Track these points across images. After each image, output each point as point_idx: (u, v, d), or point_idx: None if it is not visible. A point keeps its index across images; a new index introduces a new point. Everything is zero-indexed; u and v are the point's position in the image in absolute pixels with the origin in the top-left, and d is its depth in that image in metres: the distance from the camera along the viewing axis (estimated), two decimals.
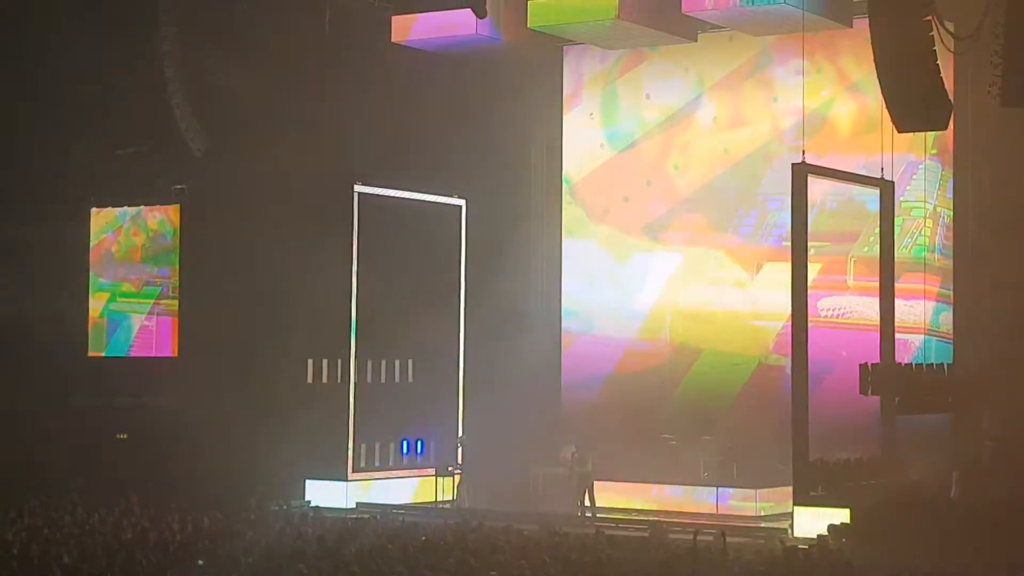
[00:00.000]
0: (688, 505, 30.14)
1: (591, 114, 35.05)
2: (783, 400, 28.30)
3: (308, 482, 31.53)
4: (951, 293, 31.34)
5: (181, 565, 20.38)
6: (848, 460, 28.52)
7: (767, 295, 32.65)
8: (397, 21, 32.74)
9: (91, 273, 34.70)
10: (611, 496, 30.23)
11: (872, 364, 28.39)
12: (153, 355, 34.01)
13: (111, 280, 34.63)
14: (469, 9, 30.53)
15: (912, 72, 25.34)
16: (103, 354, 34.49)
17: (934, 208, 31.49)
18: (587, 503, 29.82)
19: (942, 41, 25.81)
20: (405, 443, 32.80)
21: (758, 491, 29.89)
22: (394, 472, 32.46)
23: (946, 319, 31.30)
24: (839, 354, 31.11)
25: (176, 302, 33.96)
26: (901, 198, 30.83)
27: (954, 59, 28.17)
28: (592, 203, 35.04)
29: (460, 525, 24.90)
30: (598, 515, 29.25)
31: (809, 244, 28.41)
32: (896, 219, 30.25)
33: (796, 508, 27.20)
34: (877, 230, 30.31)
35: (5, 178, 33.75)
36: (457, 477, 32.36)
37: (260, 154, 31.64)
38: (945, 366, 29.63)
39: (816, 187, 28.86)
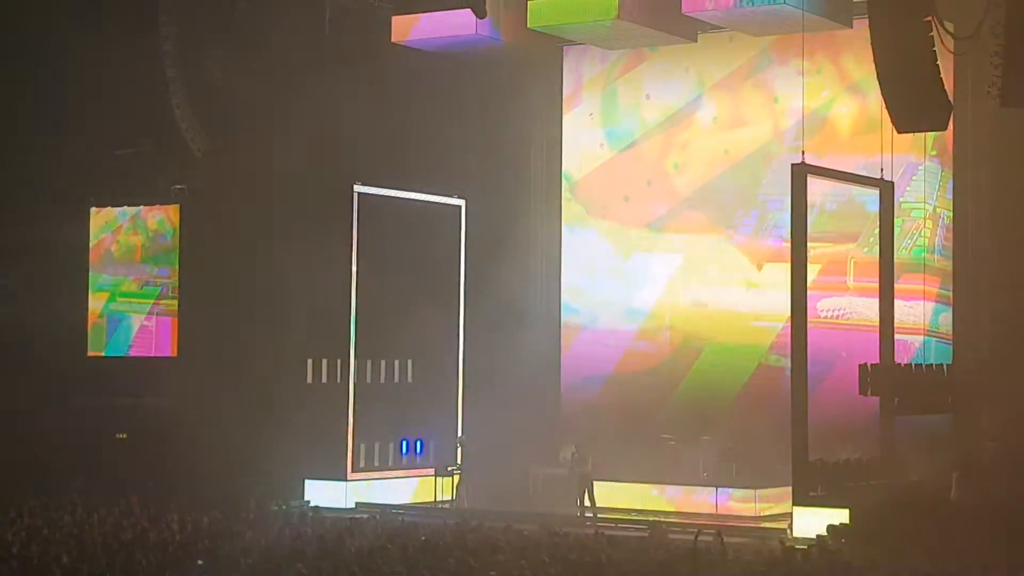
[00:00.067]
0: (688, 505, 30.14)
1: (591, 114, 35.06)
2: (783, 400, 28.29)
3: (307, 482, 31.53)
4: (951, 294, 31.34)
5: (181, 565, 20.38)
6: (848, 460, 28.52)
7: (767, 295, 32.65)
8: (397, 21, 32.75)
9: (91, 273, 34.70)
10: (611, 496, 30.21)
11: (872, 365, 28.38)
12: (153, 355, 34.01)
13: (111, 280, 34.63)
14: (469, 9, 30.51)
15: (912, 73, 25.36)
16: (103, 354, 34.49)
17: (934, 209, 31.49)
18: (587, 503, 29.80)
19: (942, 42, 25.83)
20: (404, 443, 32.80)
21: (757, 491, 29.89)
22: (393, 472, 32.46)
23: (946, 320, 31.30)
24: (839, 354, 31.11)
25: (176, 302, 33.96)
26: (901, 199, 30.83)
27: (954, 60, 28.19)
28: (592, 203, 35.05)
29: (459, 525, 24.89)
30: (599, 515, 29.23)
31: (809, 245, 28.42)
32: (896, 220, 30.25)
33: (796, 508, 27.20)
34: (877, 231, 30.31)
35: (5, 178, 33.74)
36: (456, 477, 32.36)
37: (260, 154, 31.65)
38: (945, 367, 29.63)
39: (816, 187, 28.85)
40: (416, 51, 32.92)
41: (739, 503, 29.94)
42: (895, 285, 29.98)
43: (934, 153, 31.36)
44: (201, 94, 31.88)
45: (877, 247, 30.27)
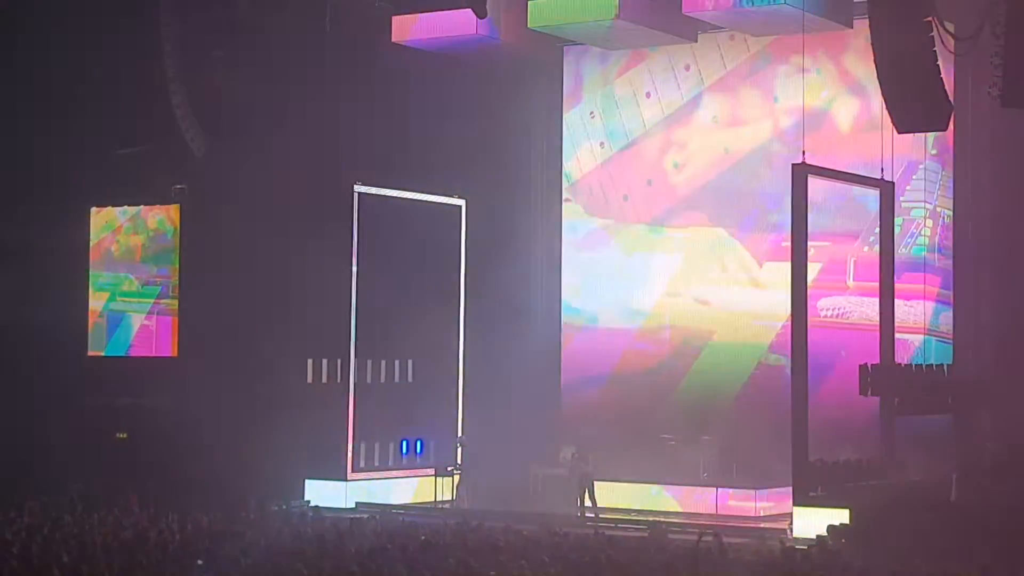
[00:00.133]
0: (687, 505, 30.14)
1: (591, 113, 35.07)
2: (783, 400, 28.28)
3: (308, 482, 31.54)
4: (951, 293, 31.34)
5: (181, 565, 20.37)
6: (848, 461, 28.53)
7: (767, 295, 32.66)
8: (397, 21, 32.78)
9: (91, 273, 34.70)
10: (610, 496, 30.21)
11: (872, 365, 28.39)
12: (153, 355, 33.99)
13: (111, 280, 34.62)
14: (469, 9, 30.51)
15: (912, 73, 25.35)
16: (103, 354, 34.48)
17: (934, 208, 31.50)
18: (588, 503, 29.80)
19: (942, 42, 25.83)
20: (404, 443, 32.80)
21: (757, 491, 29.88)
22: (394, 472, 32.47)
23: (946, 319, 31.31)
24: (839, 354, 31.12)
25: (176, 302, 33.95)
26: (901, 198, 30.85)
27: (954, 60, 28.20)
28: (592, 202, 35.05)
29: (460, 525, 24.87)
30: (600, 516, 29.23)
31: (809, 244, 28.43)
32: (896, 219, 30.27)
33: (795, 508, 27.21)
34: (877, 230, 30.31)
35: (5, 178, 33.74)
36: (456, 477, 32.36)
37: (260, 154, 31.63)
38: (945, 367, 29.64)
39: (816, 187, 28.85)
40: (416, 51, 32.93)
41: (739, 503, 29.93)
42: (895, 285, 29.98)
43: (934, 153, 31.37)
44: (201, 94, 31.89)
45: (877, 246, 30.27)
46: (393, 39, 32.77)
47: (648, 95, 34.53)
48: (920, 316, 31.00)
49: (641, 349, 34.05)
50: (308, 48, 31.96)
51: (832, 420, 29.26)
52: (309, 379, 32.38)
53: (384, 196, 32.63)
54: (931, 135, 30.38)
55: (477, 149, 33.68)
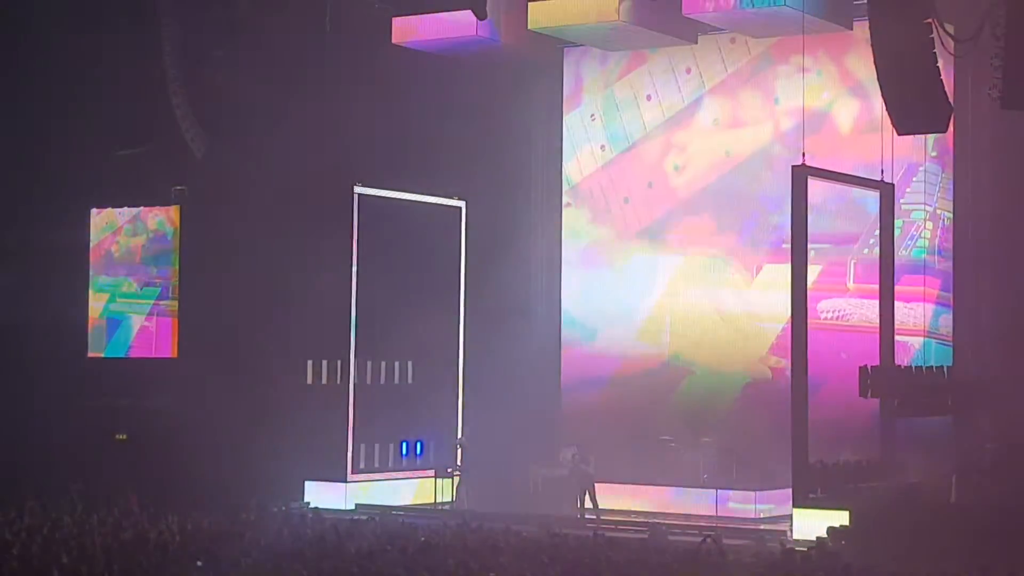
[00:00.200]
0: (687, 507, 30.13)
1: (592, 115, 35.05)
2: (783, 402, 28.28)
3: (307, 483, 31.54)
4: (951, 296, 31.32)
5: (180, 566, 20.38)
6: (847, 462, 28.52)
7: (767, 297, 32.65)
8: (398, 23, 32.76)
9: (91, 274, 34.70)
10: (610, 497, 30.21)
11: (872, 366, 28.38)
12: (153, 356, 34.00)
13: (111, 281, 34.62)
14: (470, 11, 30.52)
15: (912, 75, 25.35)
16: (103, 355, 34.49)
17: (934, 210, 31.49)
18: (588, 504, 29.80)
19: (942, 44, 25.83)
20: (404, 444, 32.80)
21: (757, 493, 29.88)
22: (393, 473, 32.46)
23: (946, 322, 31.29)
24: (839, 356, 31.10)
25: (176, 303, 33.96)
26: (901, 200, 30.84)
27: (954, 61, 28.19)
28: (592, 204, 35.04)
29: (459, 526, 24.89)
30: (601, 517, 29.22)
31: (809, 246, 28.43)
32: (896, 221, 30.26)
33: (795, 510, 27.21)
34: (877, 232, 30.31)
35: (5, 178, 33.75)
36: (456, 478, 32.36)
37: (260, 155, 31.65)
38: (945, 369, 29.63)
39: (816, 189, 28.85)
40: (417, 52, 32.93)
41: (739, 505, 29.93)
42: (895, 287, 29.98)
43: (934, 155, 31.37)
44: (201, 95, 31.90)
45: (877, 249, 30.27)
46: (393, 40, 32.76)
47: (649, 97, 34.52)
48: (920, 318, 31.00)
49: (641, 350, 34.02)
50: (308, 49, 31.96)
51: (832, 422, 29.24)
52: (309, 380, 32.38)
53: (384, 197, 32.64)
54: (931, 137, 30.38)
55: (477, 150, 33.67)
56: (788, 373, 28.50)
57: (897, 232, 30.33)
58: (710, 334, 33.45)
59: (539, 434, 33.47)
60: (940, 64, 25.50)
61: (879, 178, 29.45)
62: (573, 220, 35.17)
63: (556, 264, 35.25)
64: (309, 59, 31.99)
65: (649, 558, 21.28)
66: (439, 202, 33.86)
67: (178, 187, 33.91)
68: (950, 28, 26.44)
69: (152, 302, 34.26)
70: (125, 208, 34.66)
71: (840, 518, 26.05)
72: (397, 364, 33.00)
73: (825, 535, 24.99)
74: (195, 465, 30.40)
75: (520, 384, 33.84)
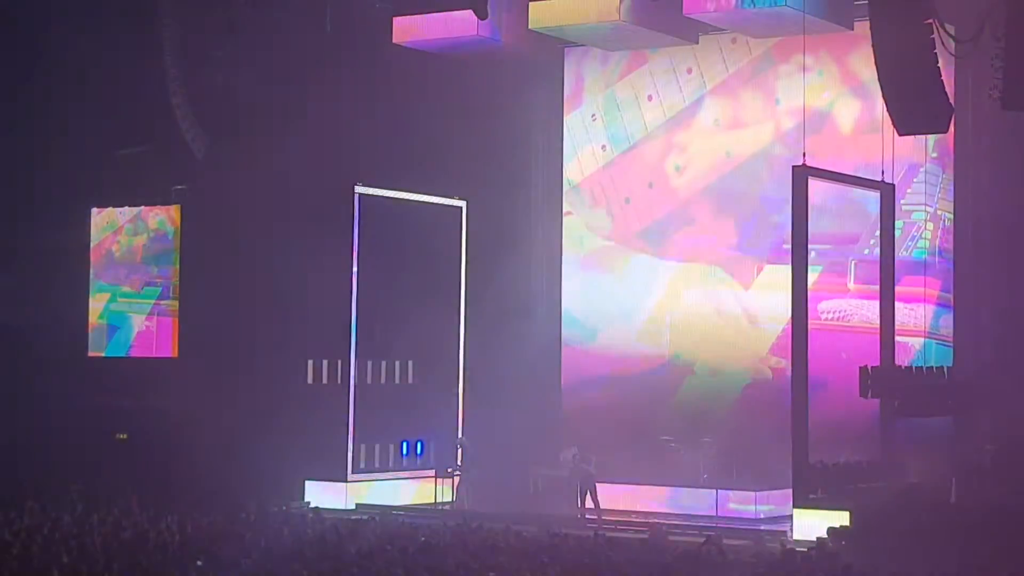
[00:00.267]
0: (688, 507, 30.11)
1: (593, 115, 35.05)
2: (783, 402, 28.29)
3: (308, 483, 31.53)
4: (951, 296, 31.31)
5: (180, 566, 20.37)
6: (848, 463, 28.51)
7: (768, 297, 32.64)
8: (398, 22, 32.75)
9: (91, 274, 34.71)
10: (610, 498, 30.19)
11: (872, 367, 28.37)
12: (153, 356, 34.02)
13: (111, 281, 34.64)
14: (470, 11, 30.52)
15: (913, 75, 25.33)
16: (103, 354, 34.51)
17: (935, 211, 31.48)
18: (589, 504, 29.79)
19: (943, 44, 25.82)
20: (404, 444, 32.80)
21: (757, 493, 29.88)
22: (394, 473, 32.46)
23: (946, 322, 31.27)
24: (839, 357, 31.09)
25: (176, 303, 33.99)
26: (902, 201, 30.83)
27: (955, 62, 28.19)
28: (593, 205, 35.04)
29: (460, 527, 24.89)
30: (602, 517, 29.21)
31: (810, 247, 28.43)
32: (897, 222, 30.25)
33: (795, 510, 27.20)
34: (878, 233, 30.30)
35: (5, 178, 33.76)
36: (457, 478, 32.36)
37: (261, 155, 31.65)
38: (945, 369, 29.62)
39: (817, 189, 28.85)
40: (417, 52, 32.92)
41: (739, 505, 29.92)
42: (896, 287, 29.97)
43: (935, 155, 31.35)
44: (202, 94, 31.91)
45: (878, 249, 30.26)
46: (394, 40, 32.75)
47: (650, 98, 34.51)
48: (920, 319, 30.99)
49: (642, 350, 34.02)
50: (309, 49, 31.97)
51: (832, 422, 29.24)
52: (309, 380, 32.39)
53: (385, 197, 32.63)
54: (932, 137, 30.36)
55: (478, 150, 33.67)
56: (788, 374, 28.49)
57: (898, 233, 30.32)
58: (711, 334, 33.44)
59: (539, 434, 33.48)
60: (941, 65, 25.49)
61: (880, 178, 29.44)
62: (574, 221, 35.17)
63: (556, 264, 35.25)
64: (309, 59, 32.00)
65: (649, 558, 21.28)
66: (440, 202, 33.85)
67: (179, 186, 33.92)
68: (951, 29, 26.43)
69: (152, 302, 34.28)
70: (126, 208, 34.69)
71: (840, 518, 26.05)
72: (397, 364, 32.99)
73: (825, 535, 25.00)
74: (195, 465, 30.43)
75: (520, 384, 33.83)
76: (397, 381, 32.95)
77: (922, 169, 31.32)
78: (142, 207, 34.50)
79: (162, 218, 34.35)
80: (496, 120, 33.97)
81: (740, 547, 23.34)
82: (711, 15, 30.69)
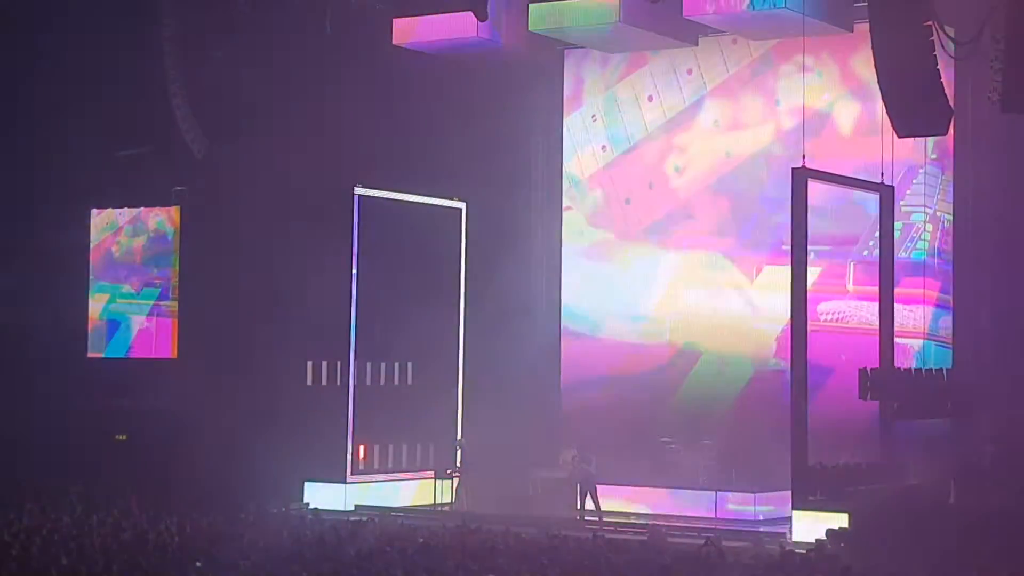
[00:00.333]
0: (687, 509, 30.11)
1: (593, 116, 35.06)
2: (782, 404, 28.29)
3: (307, 484, 31.52)
4: (951, 298, 31.31)
5: (179, 567, 20.37)
6: (847, 465, 28.51)
7: (767, 298, 32.64)
8: (398, 24, 32.73)
9: (91, 274, 34.72)
10: (609, 499, 30.19)
11: (871, 369, 28.38)
12: (152, 356, 34.02)
13: (111, 281, 34.64)
14: (470, 12, 30.53)
15: (912, 77, 25.36)
16: (102, 355, 34.51)
17: (934, 213, 31.48)
18: (589, 505, 29.78)
19: (942, 46, 25.85)
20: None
21: (757, 495, 29.88)
22: (393, 475, 32.46)
23: (946, 324, 31.28)
24: (838, 358, 31.10)
25: (175, 303, 33.99)
26: (901, 202, 30.84)
27: (955, 64, 28.20)
28: (593, 206, 35.04)
29: (459, 528, 24.91)
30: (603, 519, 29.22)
31: (809, 248, 28.42)
32: (896, 223, 30.25)
33: (794, 512, 27.18)
34: (877, 234, 30.31)
35: (5, 179, 33.77)
36: (456, 480, 32.36)
37: (261, 156, 31.66)
38: (944, 371, 29.64)
39: (816, 190, 28.85)
40: (417, 54, 32.92)
41: (738, 507, 29.93)
42: (895, 289, 29.97)
43: (935, 157, 31.36)
44: (201, 95, 31.91)
45: (877, 251, 30.26)
46: (394, 41, 32.73)
47: (650, 98, 34.52)
48: (920, 320, 30.99)
49: (641, 352, 34.02)
50: (309, 49, 31.97)
51: (831, 424, 29.22)
52: (309, 381, 32.38)
53: (385, 198, 32.63)
54: (931, 139, 30.37)
55: (478, 152, 33.67)
56: (788, 375, 28.49)
57: (897, 234, 30.32)
58: (710, 336, 33.44)
59: (539, 436, 33.47)
60: (940, 67, 25.50)
61: (879, 180, 29.44)
62: (574, 221, 35.18)
63: (556, 266, 35.26)
64: (309, 59, 32.00)
65: (648, 560, 21.28)
66: (439, 203, 33.85)
67: (178, 188, 33.92)
68: (950, 31, 26.46)
69: (152, 303, 34.29)
70: (125, 208, 34.70)
71: (839, 520, 26.03)
72: (397, 365, 33.00)
73: (824, 537, 24.98)
74: (195, 466, 30.43)
75: (520, 385, 33.84)
76: (397, 382, 32.95)
77: (921, 171, 31.33)
78: (142, 208, 34.51)
79: (162, 219, 34.36)
80: (496, 122, 33.98)
81: (739, 549, 23.34)
82: (710, 17, 30.69)
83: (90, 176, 33.79)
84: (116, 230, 34.73)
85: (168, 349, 33.89)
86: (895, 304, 29.89)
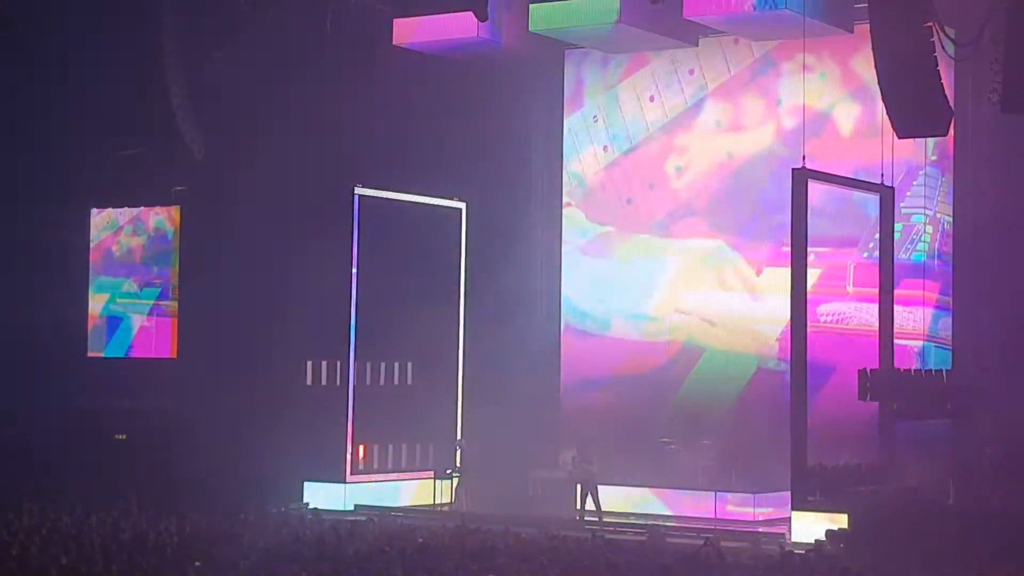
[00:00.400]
0: (686, 509, 30.12)
1: (595, 116, 35.05)
2: (782, 405, 28.28)
3: (306, 484, 31.52)
4: (951, 299, 31.31)
5: (179, 567, 20.38)
6: (847, 466, 28.49)
7: (767, 299, 32.64)
8: (399, 24, 32.75)
9: (91, 274, 34.72)
10: (609, 499, 30.19)
11: (871, 370, 28.37)
12: (152, 356, 34.02)
13: (111, 281, 34.63)
14: (471, 12, 30.53)
15: (913, 78, 25.36)
16: (102, 355, 34.51)
17: (934, 214, 31.48)
18: (589, 505, 29.77)
19: (943, 47, 25.84)
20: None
21: (756, 496, 29.89)
22: (393, 475, 32.46)
23: (945, 325, 31.28)
24: (838, 359, 31.09)
25: (175, 303, 33.99)
26: (901, 204, 30.83)
27: (955, 65, 28.19)
28: (594, 206, 35.04)
29: (458, 528, 24.91)
30: (604, 519, 29.21)
31: (809, 249, 28.41)
32: (896, 225, 30.24)
33: (794, 513, 27.18)
34: (877, 236, 30.30)
35: (5, 179, 33.76)
36: (455, 480, 32.36)
37: (261, 156, 31.65)
38: (944, 372, 29.63)
39: (817, 191, 28.85)
40: (418, 54, 32.92)
41: (738, 507, 29.94)
42: (895, 290, 29.96)
43: (935, 158, 31.36)
44: (201, 95, 31.89)
45: (877, 252, 30.26)
46: (394, 42, 32.75)
47: (652, 99, 34.51)
48: (920, 322, 30.99)
49: (642, 352, 34.01)
50: (309, 49, 31.96)
51: (831, 425, 29.22)
52: (308, 381, 32.38)
53: (384, 198, 32.62)
54: (931, 140, 30.36)
55: (478, 152, 33.69)
56: (788, 376, 28.48)
57: (897, 235, 30.31)
58: (710, 336, 33.44)
59: (538, 436, 33.47)
60: (940, 68, 25.50)
61: (879, 181, 29.43)
62: (574, 222, 35.16)
63: (556, 266, 35.25)
64: (309, 59, 31.99)
65: (648, 560, 21.28)
66: (439, 203, 33.85)
67: (178, 187, 33.92)
68: (950, 32, 26.47)
69: (152, 302, 34.29)
70: (125, 208, 34.71)
71: (839, 521, 26.03)
72: (397, 365, 32.99)
73: (824, 538, 24.99)
74: (194, 466, 30.43)
75: (520, 385, 33.83)
76: (396, 382, 32.95)
77: (922, 172, 31.32)
78: (142, 207, 34.51)
79: (162, 218, 34.36)
80: (496, 122, 33.99)
81: (738, 549, 23.34)
82: (711, 18, 30.68)
83: (90, 176, 33.79)
84: (116, 229, 34.74)
85: (168, 349, 33.90)
86: (895, 305, 29.88)
